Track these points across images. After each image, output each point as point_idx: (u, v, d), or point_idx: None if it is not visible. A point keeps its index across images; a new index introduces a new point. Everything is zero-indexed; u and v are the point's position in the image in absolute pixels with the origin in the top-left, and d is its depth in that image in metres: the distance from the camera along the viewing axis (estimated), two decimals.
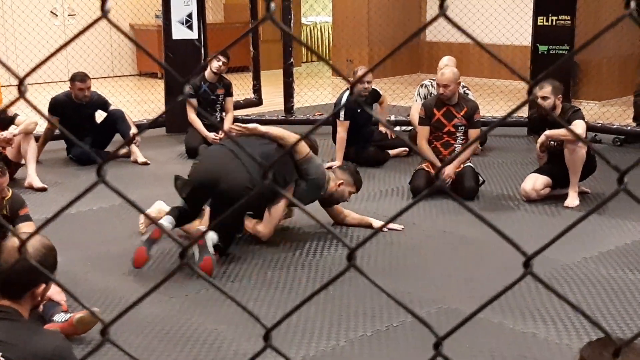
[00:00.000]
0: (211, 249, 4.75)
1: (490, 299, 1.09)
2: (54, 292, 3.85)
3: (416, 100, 7.55)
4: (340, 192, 5.23)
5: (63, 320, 3.78)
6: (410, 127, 8.07)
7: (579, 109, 5.97)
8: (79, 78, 7.19)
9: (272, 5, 0.96)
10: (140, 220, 5.30)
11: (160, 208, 5.29)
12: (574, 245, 4.94)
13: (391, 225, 5.37)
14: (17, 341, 2.33)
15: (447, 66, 6.81)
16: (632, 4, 0.93)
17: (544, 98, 5.77)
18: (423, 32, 13.03)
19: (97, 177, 1.04)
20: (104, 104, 7.45)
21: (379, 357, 3.64)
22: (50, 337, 2.45)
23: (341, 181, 5.22)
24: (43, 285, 2.46)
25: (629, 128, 7.90)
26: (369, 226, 5.39)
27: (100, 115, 7.53)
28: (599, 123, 8.04)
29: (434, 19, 0.97)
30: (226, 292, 1.14)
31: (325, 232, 5.25)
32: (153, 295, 4.38)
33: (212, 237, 4.87)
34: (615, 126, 7.98)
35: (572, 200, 5.86)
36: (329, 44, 15.27)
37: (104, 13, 0.93)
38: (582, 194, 6.00)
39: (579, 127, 5.72)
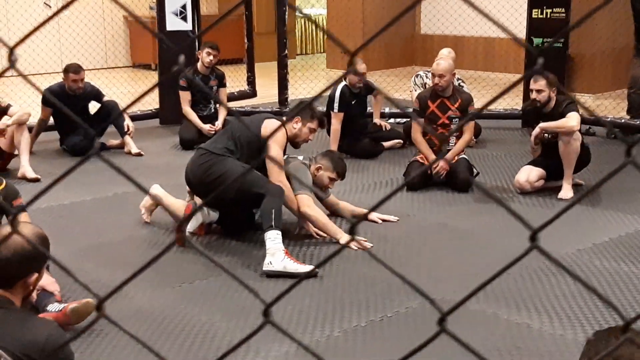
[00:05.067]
0: (193, 223, 4.94)
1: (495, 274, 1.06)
2: (48, 283, 3.85)
3: (415, 90, 7.53)
4: (319, 178, 5.17)
5: (57, 310, 3.77)
6: (404, 120, 8.07)
7: (574, 101, 5.96)
8: (72, 69, 7.16)
9: None
10: (142, 211, 5.32)
11: (156, 193, 5.30)
12: (568, 237, 4.95)
13: (386, 217, 5.37)
14: (9, 329, 2.32)
15: (443, 56, 6.81)
16: None
17: (539, 91, 5.77)
18: (417, 25, 13.03)
19: (93, 158, 1.04)
20: (97, 95, 7.43)
21: (373, 347, 3.64)
22: (43, 326, 2.43)
23: (319, 166, 5.19)
24: (35, 275, 2.45)
25: (623, 121, 7.91)
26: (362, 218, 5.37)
27: (93, 107, 7.51)
28: (592, 116, 8.04)
29: None
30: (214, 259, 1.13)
31: None
32: (146, 286, 4.38)
33: (204, 213, 4.93)
34: (609, 119, 7.99)
35: (566, 192, 5.86)
36: (324, 37, 15.24)
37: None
38: (575, 186, 6.01)
39: (573, 119, 5.72)
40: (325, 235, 4.98)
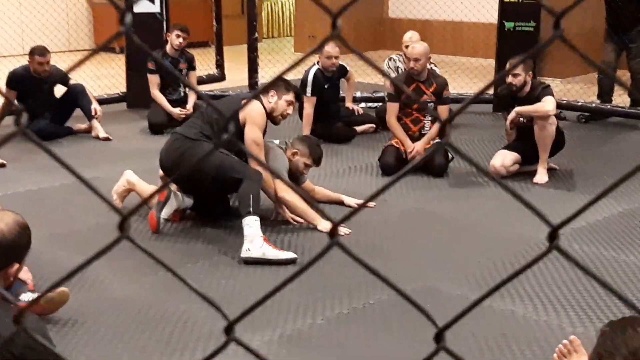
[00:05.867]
0: (167, 209, 4.81)
1: (503, 280, 0.97)
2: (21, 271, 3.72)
3: (389, 74, 7.47)
4: (295, 163, 5.07)
5: (30, 299, 3.65)
6: (376, 104, 8.01)
7: (549, 86, 5.96)
8: (38, 52, 6.96)
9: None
10: (114, 197, 5.18)
11: (128, 179, 5.18)
12: None
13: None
14: None
15: (416, 40, 6.75)
16: None
17: (515, 75, 5.74)
18: (385, 9, 12.96)
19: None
20: (63, 79, 7.25)
21: (356, 334, 3.59)
22: (24, 320, 2.33)
23: (295, 151, 5.10)
24: (16, 265, 2.34)
25: (593, 105, 7.93)
26: (340, 203, 5.31)
27: (59, 90, 7.33)
28: (563, 100, 8.04)
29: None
30: (181, 276, 1.04)
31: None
32: (123, 275, 4.27)
33: (179, 199, 4.83)
34: (580, 103, 8.00)
35: (541, 176, 5.85)
36: (290, 20, 15.10)
37: None
38: (550, 171, 6.00)
39: (549, 103, 5.70)
40: (302, 221, 4.90)
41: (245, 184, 4.50)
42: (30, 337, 2.22)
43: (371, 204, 5.29)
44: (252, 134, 4.71)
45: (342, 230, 4.78)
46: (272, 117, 4.91)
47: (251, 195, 4.46)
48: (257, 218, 4.43)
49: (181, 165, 4.69)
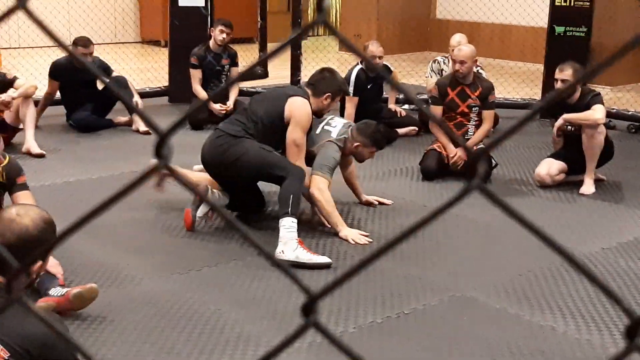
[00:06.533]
0: (203, 207, 4.70)
1: None
2: (51, 265, 3.67)
3: (431, 77, 7.34)
4: (360, 154, 4.96)
5: (59, 294, 3.60)
6: None
7: (599, 93, 5.77)
8: (81, 43, 6.95)
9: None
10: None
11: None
12: (592, 236, 4.77)
13: (381, 200, 5.28)
14: (8, 321, 2.15)
15: (463, 43, 6.61)
16: None
17: (564, 81, 5.57)
18: (433, 9, 12.79)
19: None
20: (106, 70, 7.23)
21: (389, 344, 3.47)
22: (48, 317, 2.26)
23: (357, 144, 4.94)
24: (40, 262, 2.27)
25: None
26: (357, 197, 5.28)
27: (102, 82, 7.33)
28: (613, 109, 7.82)
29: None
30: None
31: (342, 212, 5.01)
32: (153, 272, 4.21)
33: (215, 197, 4.75)
34: (630, 112, 7.77)
35: (588, 187, 5.66)
36: (336, 19, 14.99)
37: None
38: (597, 182, 5.80)
39: (599, 111, 5.52)
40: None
41: (287, 182, 4.40)
42: (49, 336, 2.16)
43: (388, 201, 5.26)
44: (295, 134, 4.61)
45: (364, 239, 4.63)
46: (317, 114, 4.84)
47: (291, 196, 4.35)
48: (295, 220, 4.32)
49: (224, 162, 4.62)
